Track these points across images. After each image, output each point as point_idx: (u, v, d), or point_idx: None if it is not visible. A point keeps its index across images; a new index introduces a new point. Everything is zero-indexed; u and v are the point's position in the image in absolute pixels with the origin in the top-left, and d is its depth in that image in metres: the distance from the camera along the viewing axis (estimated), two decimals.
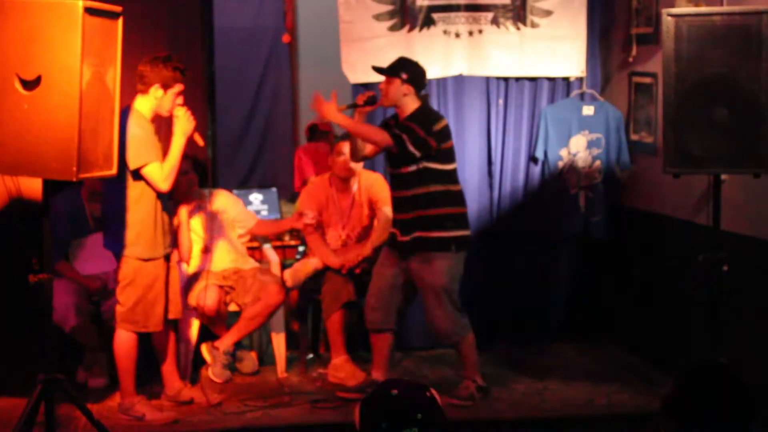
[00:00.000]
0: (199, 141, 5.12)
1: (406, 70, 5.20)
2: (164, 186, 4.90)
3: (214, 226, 5.89)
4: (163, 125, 5.09)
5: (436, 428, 2.14)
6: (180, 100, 4.99)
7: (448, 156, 5.25)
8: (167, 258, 5.09)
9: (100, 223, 5.65)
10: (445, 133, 5.24)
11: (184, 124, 4.94)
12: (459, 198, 5.30)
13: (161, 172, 4.89)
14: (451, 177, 5.27)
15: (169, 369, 5.26)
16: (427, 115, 5.22)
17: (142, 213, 4.92)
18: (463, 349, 5.33)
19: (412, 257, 5.22)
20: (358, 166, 5.83)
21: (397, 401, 2.13)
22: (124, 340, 5.03)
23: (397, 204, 5.30)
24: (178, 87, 4.96)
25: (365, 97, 5.26)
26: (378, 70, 5.28)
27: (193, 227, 5.82)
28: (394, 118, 5.31)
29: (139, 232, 4.92)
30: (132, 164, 4.84)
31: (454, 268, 5.22)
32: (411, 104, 5.21)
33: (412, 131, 5.11)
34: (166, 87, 4.93)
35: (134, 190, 4.91)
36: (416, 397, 2.15)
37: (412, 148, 5.09)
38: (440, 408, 2.18)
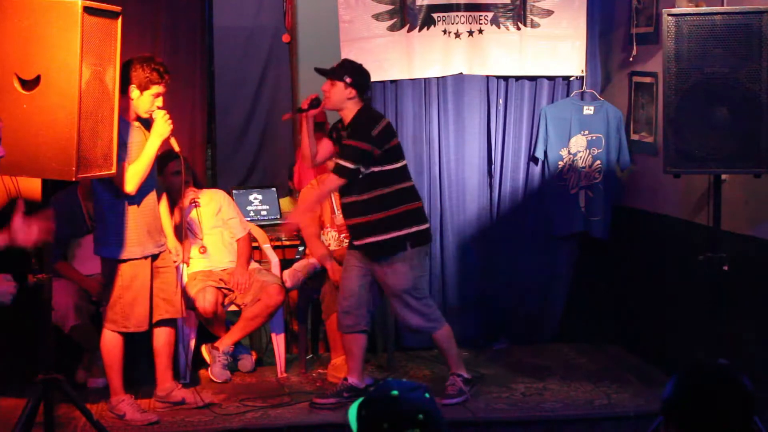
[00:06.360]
0: (175, 146, 5.00)
1: (350, 73, 5.13)
2: (128, 188, 4.82)
3: (210, 226, 5.88)
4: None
5: (437, 429, 2.13)
6: (160, 102, 4.92)
7: (394, 155, 5.16)
8: (155, 258, 5.07)
9: None
10: (387, 134, 5.13)
11: (159, 126, 4.87)
12: (409, 194, 5.21)
13: (125, 174, 4.81)
14: (400, 175, 5.17)
15: (162, 369, 5.25)
16: (366, 120, 5.12)
17: (115, 214, 4.90)
18: (440, 342, 5.31)
19: (372, 261, 5.20)
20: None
21: (397, 402, 2.12)
22: (107, 339, 5.04)
23: (347, 210, 5.23)
24: (156, 89, 4.89)
25: (308, 101, 5.22)
26: (321, 71, 5.24)
27: (191, 227, 5.82)
28: (341, 125, 5.25)
29: (115, 232, 4.90)
30: None
31: (415, 266, 5.17)
32: (353, 108, 5.14)
33: (352, 150, 5.04)
34: (141, 88, 4.88)
35: (108, 191, 4.89)
36: (416, 397, 2.15)
37: (354, 166, 5.03)
38: (439, 409, 2.17)
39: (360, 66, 5.24)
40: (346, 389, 5.27)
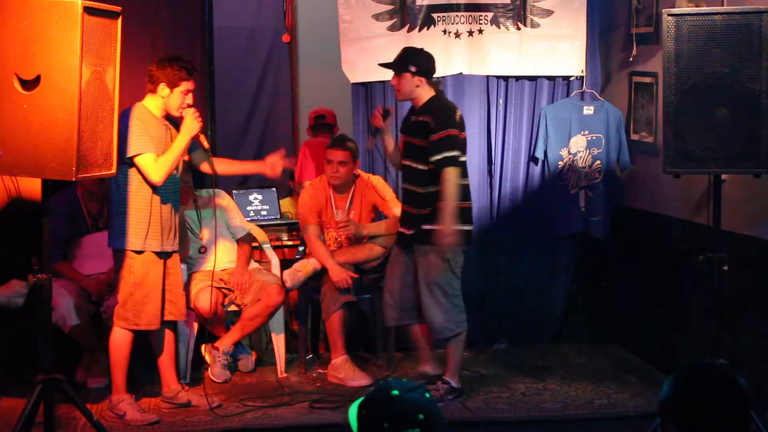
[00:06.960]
0: (204, 143, 5.10)
1: (414, 62, 5.17)
2: (155, 177, 4.90)
3: (211, 227, 5.88)
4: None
5: (437, 428, 2.13)
6: (190, 99, 5.00)
7: (463, 147, 5.23)
8: (169, 255, 5.08)
9: (97, 222, 5.66)
10: (462, 123, 5.25)
11: (188, 123, 4.96)
12: (465, 192, 5.24)
13: (154, 164, 4.90)
14: (464, 170, 5.23)
15: (166, 370, 5.26)
16: (445, 109, 5.19)
17: (136, 205, 4.92)
18: (450, 346, 5.30)
19: (416, 250, 5.21)
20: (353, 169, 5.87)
21: (398, 402, 2.12)
22: (116, 337, 5.05)
23: (410, 199, 5.25)
24: (185, 85, 4.97)
25: (379, 115, 5.29)
26: (386, 66, 5.27)
27: (191, 228, 5.82)
28: (411, 111, 5.29)
29: (133, 224, 4.92)
30: (128, 152, 4.85)
31: (452, 262, 5.18)
32: (425, 94, 5.19)
33: (447, 141, 5.06)
34: (171, 86, 4.95)
35: (131, 182, 4.92)
36: (416, 397, 2.15)
37: (455, 152, 5.07)
38: (439, 408, 2.17)
39: (421, 51, 5.27)
40: (418, 376, 5.34)
